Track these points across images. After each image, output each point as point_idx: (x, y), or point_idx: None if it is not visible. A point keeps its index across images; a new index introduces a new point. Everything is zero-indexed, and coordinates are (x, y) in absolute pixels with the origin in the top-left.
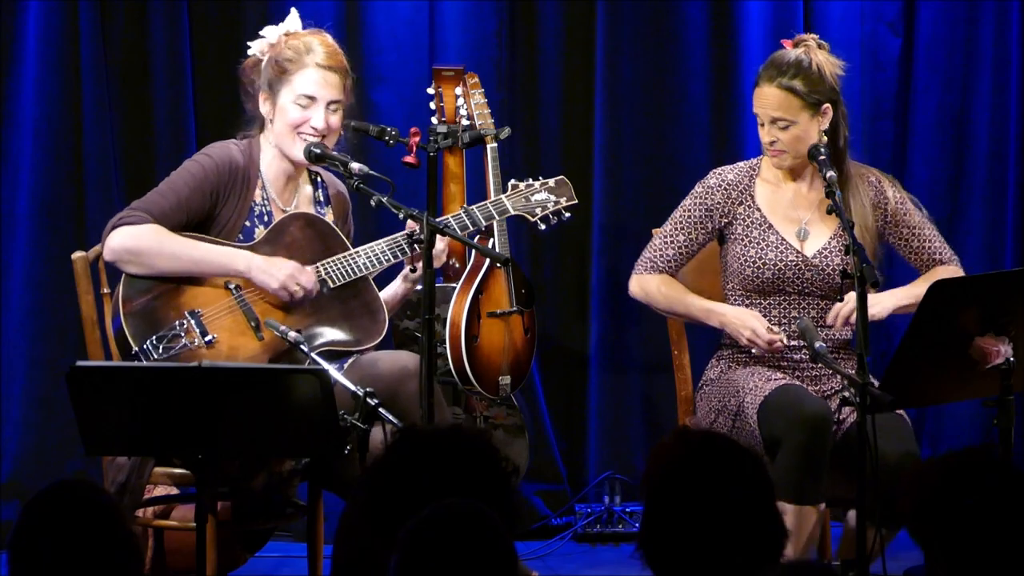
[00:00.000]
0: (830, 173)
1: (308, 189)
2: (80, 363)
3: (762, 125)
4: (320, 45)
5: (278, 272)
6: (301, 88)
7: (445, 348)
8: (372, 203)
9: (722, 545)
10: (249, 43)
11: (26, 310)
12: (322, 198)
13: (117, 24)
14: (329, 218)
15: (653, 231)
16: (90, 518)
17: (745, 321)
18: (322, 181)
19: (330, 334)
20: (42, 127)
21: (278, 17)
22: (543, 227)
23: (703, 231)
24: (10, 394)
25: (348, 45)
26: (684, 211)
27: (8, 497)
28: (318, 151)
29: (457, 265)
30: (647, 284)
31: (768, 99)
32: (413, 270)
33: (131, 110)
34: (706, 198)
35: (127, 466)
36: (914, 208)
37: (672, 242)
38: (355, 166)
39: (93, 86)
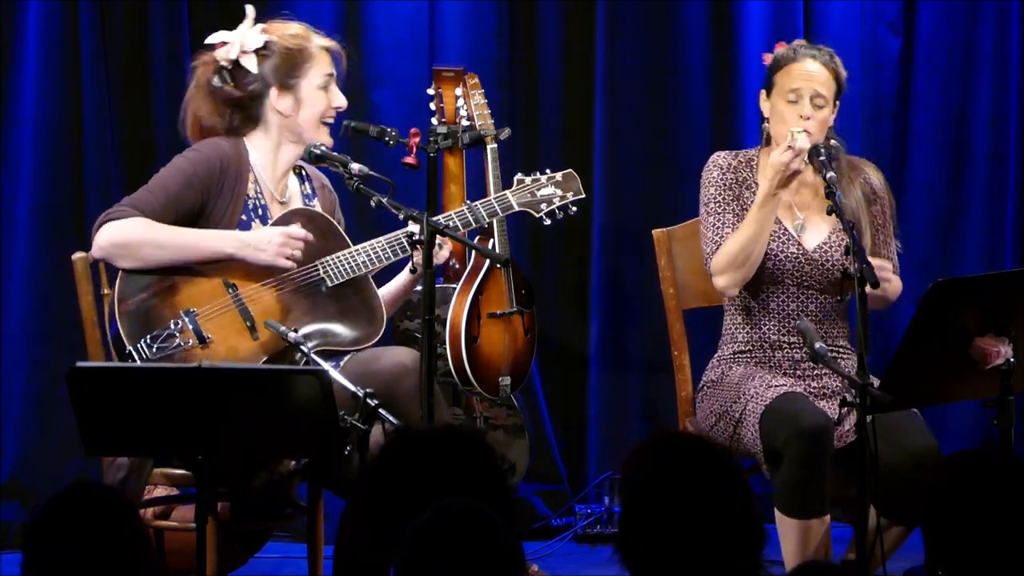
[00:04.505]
0: (830, 174)
1: (295, 183)
2: (80, 364)
3: (794, 102)
4: (304, 29)
5: (268, 245)
6: (322, 70)
7: (445, 349)
8: (372, 204)
9: (698, 546)
10: (216, 51)
11: (26, 310)
12: (309, 191)
13: (117, 24)
14: (318, 210)
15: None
16: (107, 521)
17: None
18: (307, 175)
19: (329, 333)
20: (42, 127)
21: (277, 17)
22: (548, 222)
23: (740, 207)
24: (10, 394)
25: (348, 45)
26: (714, 199)
27: (8, 497)
28: (318, 152)
29: (457, 266)
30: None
31: (816, 74)
32: (414, 270)
33: (131, 110)
34: (724, 177)
35: (126, 467)
36: (893, 214)
37: (725, 222)
38: (355, 167)
39: (93, 86)
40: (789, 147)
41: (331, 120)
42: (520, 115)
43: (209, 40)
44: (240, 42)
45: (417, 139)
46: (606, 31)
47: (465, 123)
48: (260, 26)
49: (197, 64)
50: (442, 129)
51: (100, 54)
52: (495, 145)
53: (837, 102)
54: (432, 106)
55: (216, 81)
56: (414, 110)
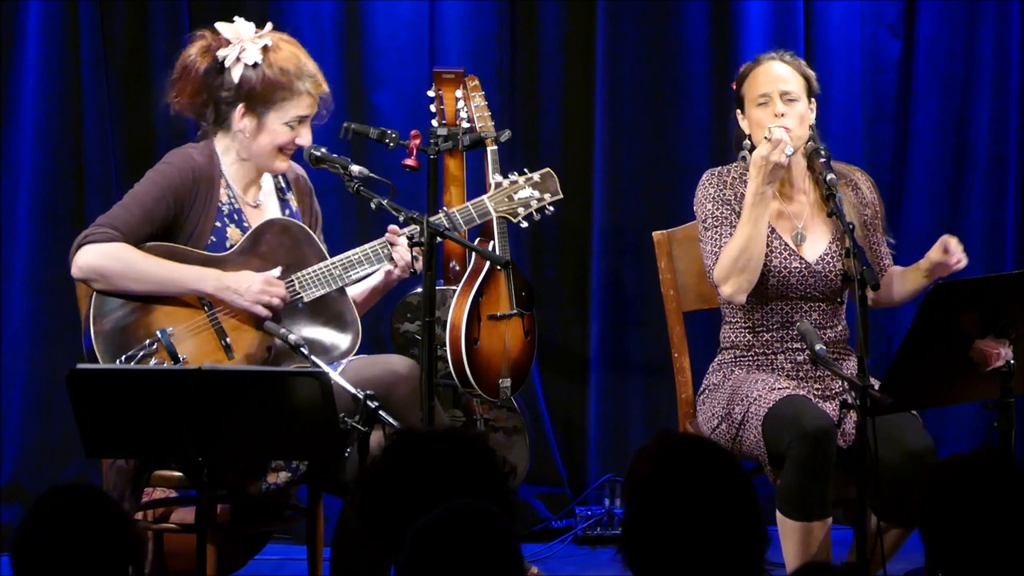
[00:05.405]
0: (830, 176)
1: (269, 180)
2: (80, 366)
3: (763, 105)
4: (305, 67)
5: (247, 291)
6: (295, 112)
7: (445, 351)
8: (372, 206)
9: (702, 548)
10: (211, 43)
11: (26, 312)
12: (283, 184)
13: (117, 24)
14: (294, 204)
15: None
16: (94, 521)
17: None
18: None
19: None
20: (42, 127)
21: (278, 18)
22: (525, 225)
23: (738, 219)
24: (10, 396)
25: (348, 47)
26: (711, 213)
27: (8, 500)
28: (318, 154)
29: (457, 268)
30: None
31: (776, 72)
32: (413, 272)
33: (131, 110)
34: (720, 192)
35: (128, 467)
36: (883, 217)
37: (723, 234)
38: (355, 169)
39: (93, 86)
40: (765, 139)
41: (291, 151)
42: (520, 117)
43: (220, 27)
44: (239, 50)
45: (417, 141)
46: (606, 33)
47: (465, 125)
48: (265, 40)
49: (196, 41)
50: (442, 131)
51: (100, 56)
52: (495, 147)
53: (813, 100)
54: (432, 108)
55: (203, 67)
56: (414, 112)
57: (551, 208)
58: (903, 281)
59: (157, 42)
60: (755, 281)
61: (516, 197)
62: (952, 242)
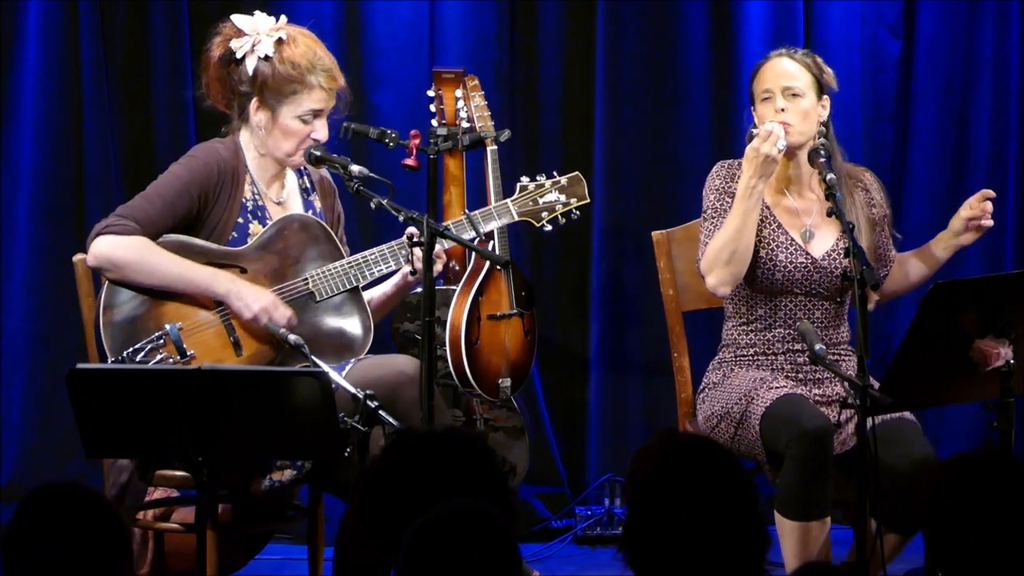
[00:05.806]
0: (830, 175)
1: (294, 179)
2: (80, 365)
3: (767, 100)
4: (320, 61)
5: (254, 304)
6: (308, 105)
7: (445, 350)
8: (372, 206)
9: (703, 548)
10: (233, 39)
11: (27, 312)
12: (308, 185)
13: (117, 24)
14: (318, 204)
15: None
16: (81, 516)
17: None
18: (305, 169)
19: (316, 347)
20: (42, 127)
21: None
22: (549, 228)
23: None
24: (11, 396)
25: (348, 47)
26: (712, 205)
27: (8, 500)
28: (318, 153)
29: (457, 267)
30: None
31: (781, 68)
32: (414, 272)
33: (131, 110)
34: (726, 185)
35: (129, 467)
36: (891, 216)
37: (718, 226)
38: (355, 168)
39: (93, 86)
40: (753, 131)
41: (307, 145)
42: (520, 117)
43: (237, 19)
44: (253, 42)
45: (417, 141)
46: (606, 33)
47: (465, 125)
48: (280, 34)
49: (217, 34)
50: (442, 131)
51: (100, 56)
52: (495, 147)
53: (825, 96)
54: (432, 108)
55: (222, 59)
56: (414, 112)
57: (577, 212)
58: (922, 258)
59: (157, 42)
60: (740, 276)
61: (541, 201)
62: (990, 194)
